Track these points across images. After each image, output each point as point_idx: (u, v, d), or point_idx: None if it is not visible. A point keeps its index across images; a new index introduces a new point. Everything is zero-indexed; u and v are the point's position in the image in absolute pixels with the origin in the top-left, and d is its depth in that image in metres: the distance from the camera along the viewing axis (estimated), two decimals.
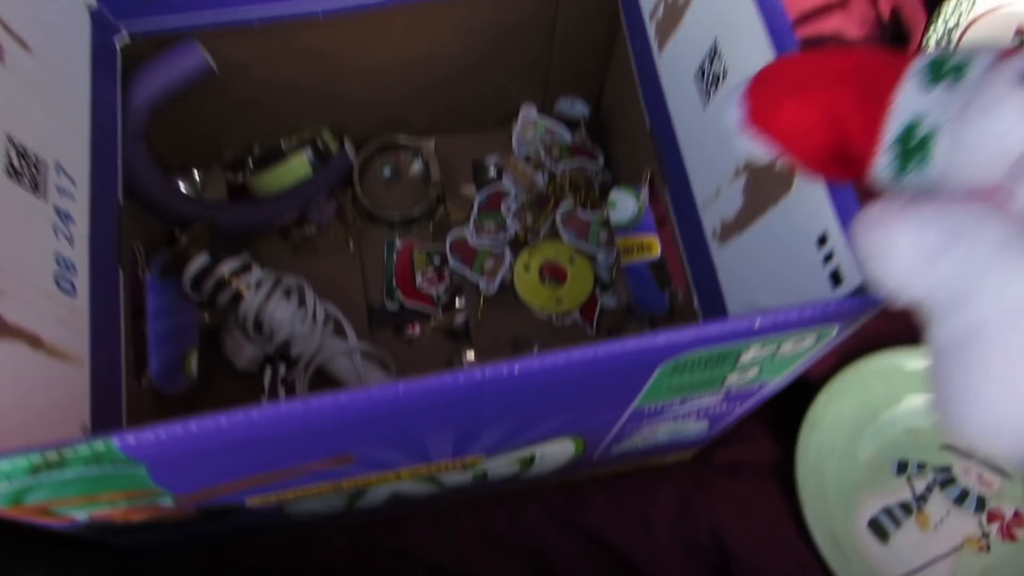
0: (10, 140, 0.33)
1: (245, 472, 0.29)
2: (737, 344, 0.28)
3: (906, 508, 0.50)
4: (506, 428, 0.32)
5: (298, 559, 0.49)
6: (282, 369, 0.48)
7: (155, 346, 0.45)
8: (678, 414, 0.37)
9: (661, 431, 0.40)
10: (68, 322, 0.33)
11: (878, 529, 0.50)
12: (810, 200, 0.31)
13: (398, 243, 0.56)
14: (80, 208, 0.36)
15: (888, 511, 0.50)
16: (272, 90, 0.51)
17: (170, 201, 0.48)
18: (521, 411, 0.30)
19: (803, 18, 0.63)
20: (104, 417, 0.35)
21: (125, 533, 0.35)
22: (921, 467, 0.51)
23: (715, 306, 0.39)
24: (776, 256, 0.34)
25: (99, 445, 0.24)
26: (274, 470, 0.30)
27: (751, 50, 0.33)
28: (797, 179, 0.32)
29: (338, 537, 0.49)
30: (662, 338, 0.26)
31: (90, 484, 0.27)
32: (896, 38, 0.64)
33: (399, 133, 0.58)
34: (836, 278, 0.30)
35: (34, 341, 0.31)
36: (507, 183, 0.57)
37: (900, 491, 0.51)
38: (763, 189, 0.34)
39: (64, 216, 0.35)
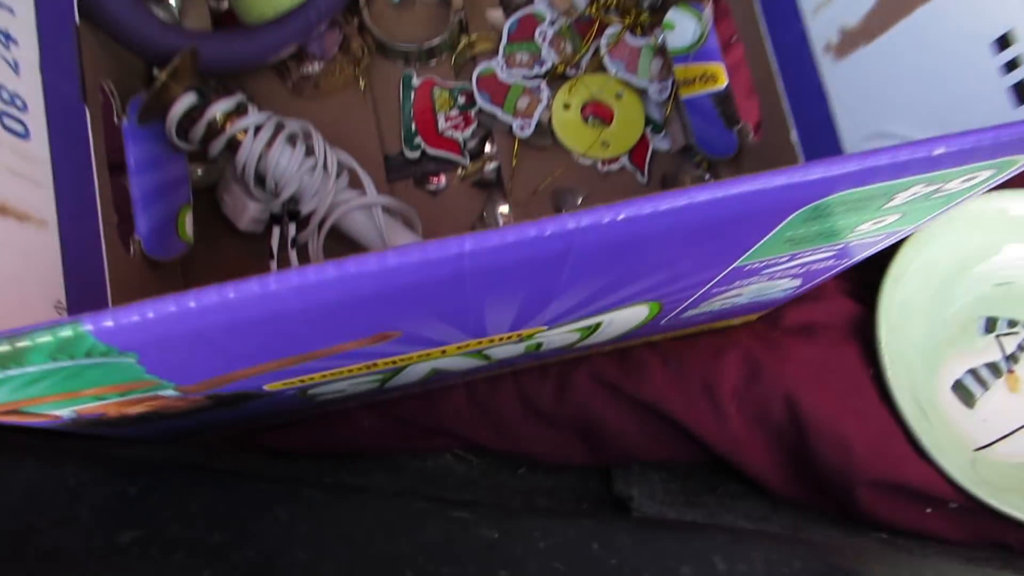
0: None
1: (263, 357, 0.23)
2: (901, 181, 0.21)
3: (995, 369, 0.45)
4: (583, 295, 0.25)
5: (321, 439, 0.44)
6: (291, 229, 0.42)
7: (141, 205, 0.38)
8: (775, 273, 0.31)
9: (747, 292, 0.34)
10: (22, 173, 0.26)
11: (963, 393, 0.45)
12: None
13: (416, 80, 0.48)
14: (23, 26, 0.28)
15: (974, 373, 0.45)
16: None
17: (143, 28, 0.40)
18: (609, 272, 0.24)
19: None
20: (83, 291, 0.29)
21: (122, 425, 0.30)
22: (1012, 324, 0.46)
23: (823, 140, 0.32)
24: (924, 69, 0.26)
25: (66, 331, 0.18)
26: (299, 353, 0.24)
27: None
28: None
29: (365, 414, 0.44)
30: (818, 170, 0.19)
31: (66, 380, 0.21)
32: None
33: None
34: (1022, 92, 0.23)
35: None
36: (541, 6, 0.49)
37: (988, 351, 0.46)
38: None
39: (2, 35, 0.27)
